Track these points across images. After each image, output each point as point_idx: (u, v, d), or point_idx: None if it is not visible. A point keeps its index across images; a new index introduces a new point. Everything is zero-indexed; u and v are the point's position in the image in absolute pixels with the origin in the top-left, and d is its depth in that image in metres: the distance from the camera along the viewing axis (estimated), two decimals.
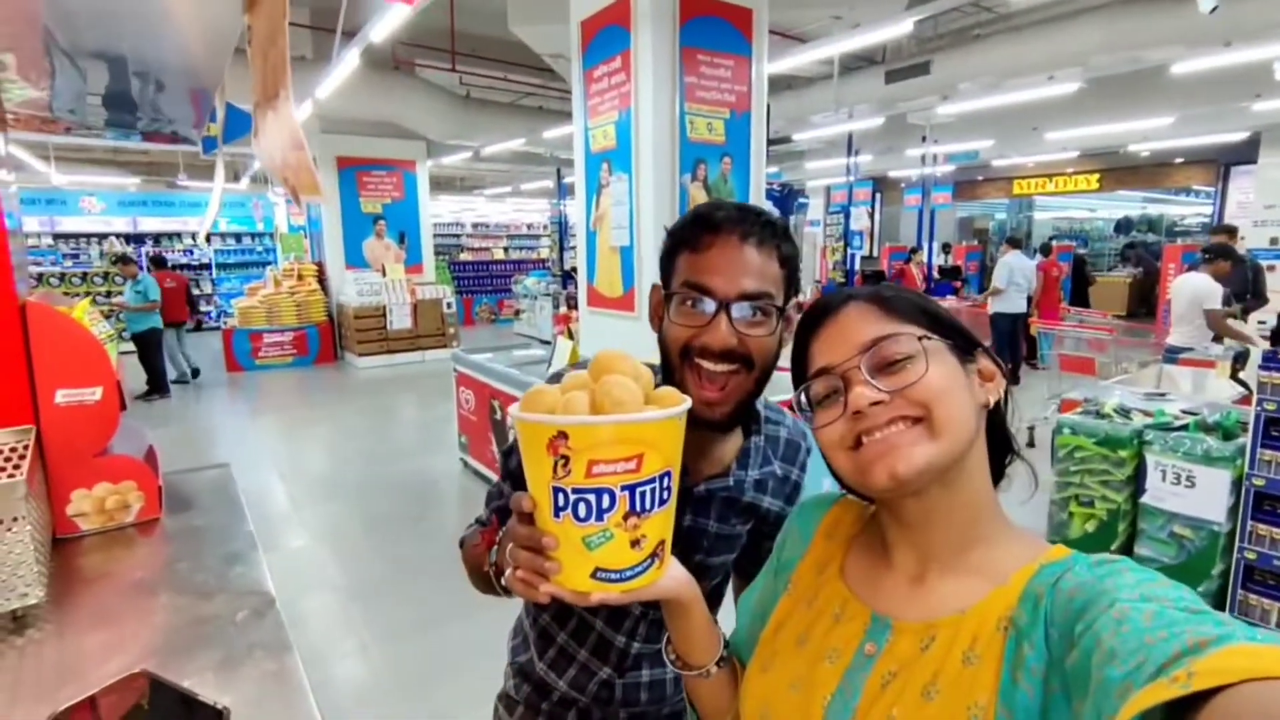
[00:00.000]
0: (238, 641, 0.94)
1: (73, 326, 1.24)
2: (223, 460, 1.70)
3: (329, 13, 5.58)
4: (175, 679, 0.82)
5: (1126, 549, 2.96)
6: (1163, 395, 3.47)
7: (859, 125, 8.40)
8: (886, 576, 0.62)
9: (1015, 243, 7.51)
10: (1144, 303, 12.39)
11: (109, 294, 10.82)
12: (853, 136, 9.16)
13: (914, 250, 10.65)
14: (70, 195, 11.68)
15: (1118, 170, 13.04)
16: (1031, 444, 5.14)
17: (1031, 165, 13.50)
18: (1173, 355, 4.67)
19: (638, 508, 0.56)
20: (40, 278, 10.86)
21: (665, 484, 0.57)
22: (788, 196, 5.98)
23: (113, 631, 0.96)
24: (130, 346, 7.21)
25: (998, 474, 0.63)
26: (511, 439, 0.92)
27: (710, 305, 0.77)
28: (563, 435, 0.54)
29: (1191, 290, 4.67)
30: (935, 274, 10.48)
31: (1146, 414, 3.09)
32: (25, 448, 1.15)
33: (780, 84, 7.86)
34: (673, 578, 0.62)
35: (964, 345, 0.60)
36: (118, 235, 12.15)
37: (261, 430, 6.40)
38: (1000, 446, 0.63)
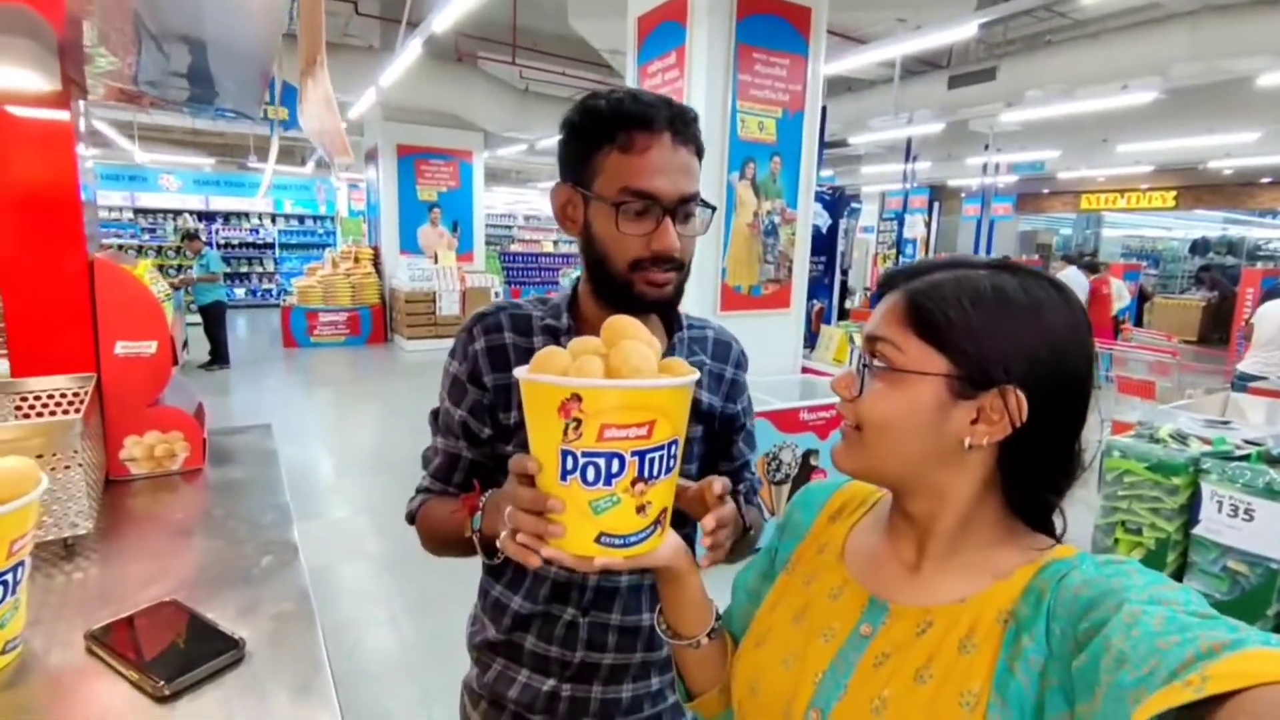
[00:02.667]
0: (260, 584, 0.99)
1: (134, 283, 1.33)
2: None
3: (396, 4, 5.76)
4: (200, 610, 0.88)
5: (1175, 581, 2.83)
6: (1226, 423, 3.29)
7: (919, 130, 8.20)
8: (887, 562, 0.62)
9: (1071, 259, 7.24)
10: (1218, 328, 11.73)
11: (180, 267, 11.39)
12: (911, 142, 8.95)
13: None
14: (151, 173, 12.35)
15: (1197, 188, 12.39)
16: (1081, 467, 4.91)
17: (1101, 179, 12.94)
18: (1243, 382, 4.42)
19: (646, 474, 0.56)
20: (121, 249, 11.50)
21: (672, 452, 0.58)
22: (838, 200, 5.88)
23: (150, 565, 1.03)
24: (198, 319, 7.61)
25: (1033, 500, 0.58)
26: (440, 401, 0.91)
27: (655, 211, 0.76)
28: (577, 398, 0.53)
29: None
30: None
31: (1205, 441, 2.93)
32: (86, 393, 1.24)
33: (839, 86, 7.74)
34: (670, 546, 0.63)
35: (973, 379, 0.54)
36: (190, 212, 12.79)
37: (313, 404, 6.66)
38: (1029, 482, 0.57)
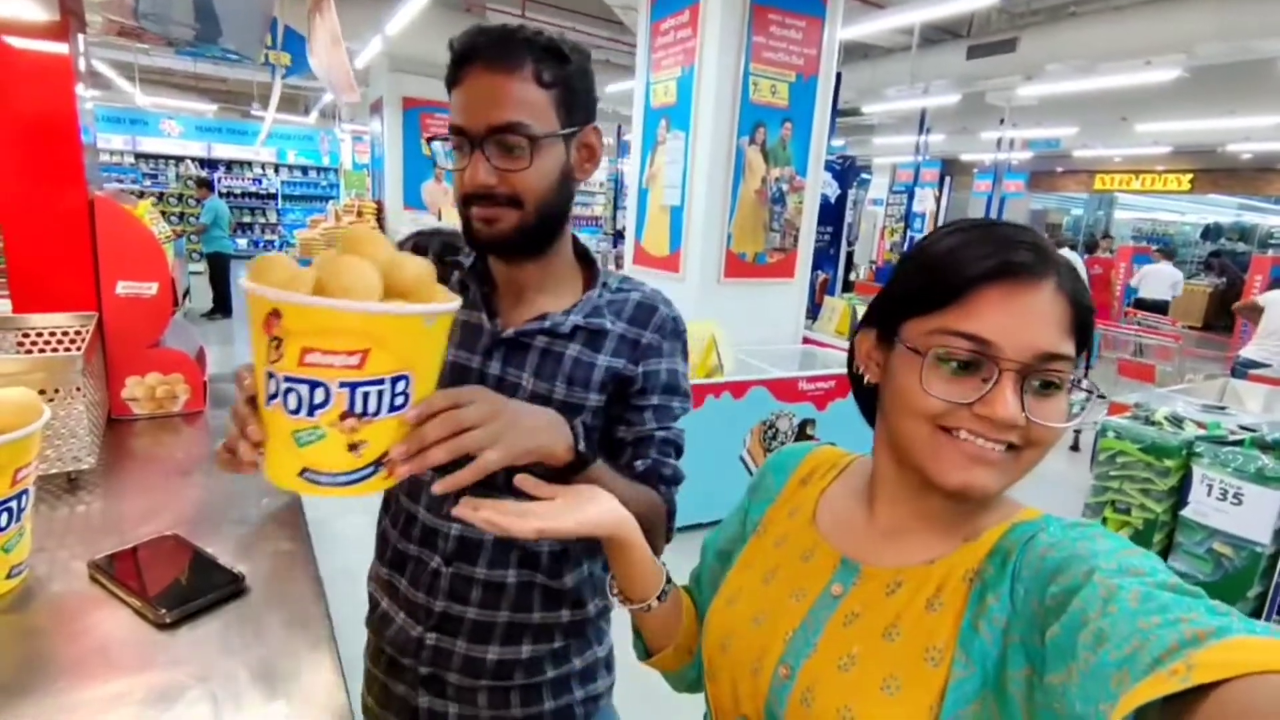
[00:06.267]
0: (260, 523, 1.01)
1: (135, 223, 1.32)
2: None
3: None
4: (200, 546, 0.90)
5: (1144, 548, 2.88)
6: (1222, 409, 3.30)
7: (934, 101, 8.04)
8: (862, 525, 0.63)
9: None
10: (1223, 314, 11.68)
11: (182, 215, 11.31)
12: (926, 113, 8.78)
13: None
14: (152, 117, 12.15)
15: (1213, 172, 12.20)
16: (1075, 448, 4.96)
17: (1117, 159, 12.74)
18: (1244, 368, 4.41)
19: (358, 409, 0.51)
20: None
21: (399, 389, 0.52)
22: (847, 170, 5.80)
23: (151, 501, 1.05)
24: (201, 267, 7.58)
25: None
26: None
27: (466, 147, 0.72)
28: (276, 313, 0.48)
29: None
30: None
31: (1200, 425, 2.95)
32: (88, 331, 1.24)
33: (856, 52, 7.56)
34: (610, 512, 0.62)
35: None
36: (193, 159, 12.63)
37: None
38: None
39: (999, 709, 0.48)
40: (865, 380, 0.61)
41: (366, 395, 0.51)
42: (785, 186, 3.76)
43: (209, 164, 12.78)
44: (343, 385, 0.50)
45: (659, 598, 0.67)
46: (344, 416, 0.51)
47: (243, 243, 12.91)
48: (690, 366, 3.38)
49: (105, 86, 10.03)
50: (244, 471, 0.56)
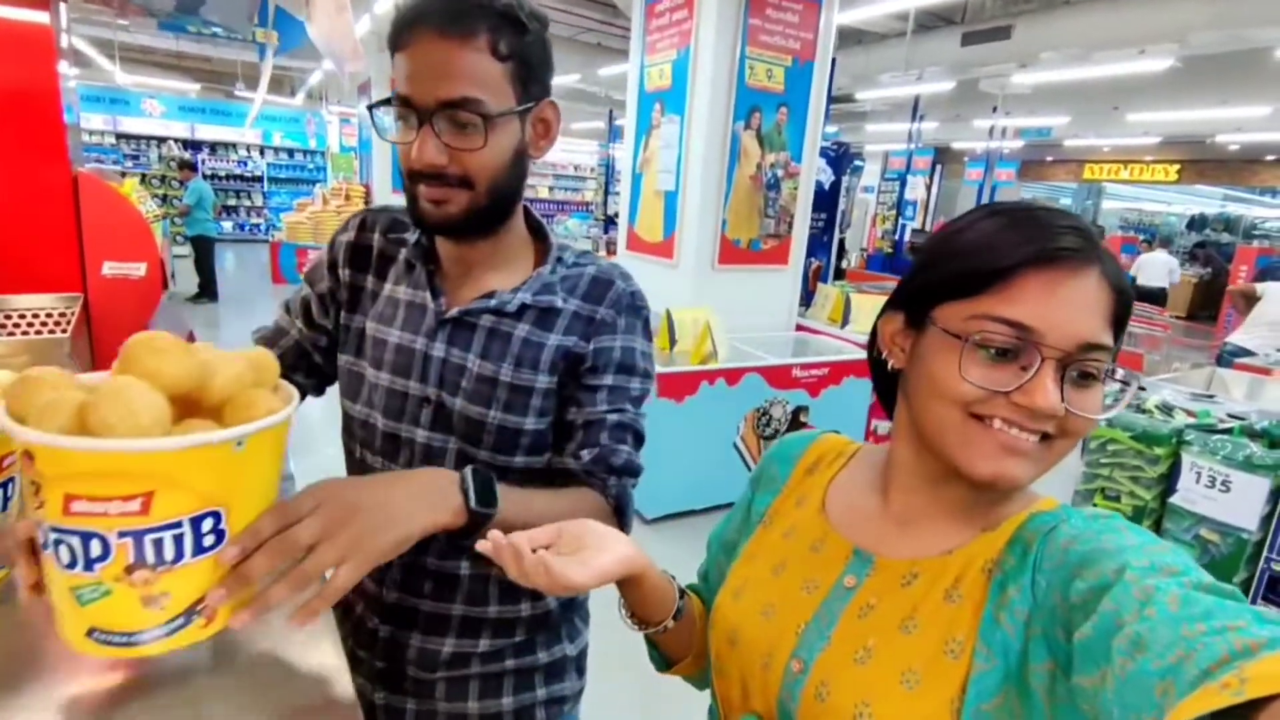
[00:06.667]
0: None
1: (121, 201, 1.28)
2: None
3: None
4: None
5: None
6: (1210, 397, 3.33)
7: (928, 89, 8.03)
8: (874, 515, 0.61)
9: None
10: (1208, 304, 11.83)
11: (165, 197, 11.11)
12: (919, 100, 8.76)
13: None
14: (133, 96, 11.91)
15: (1201, 162, 12.31)
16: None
17: (1107, 149, 12.81)
18: (1230, 356, 4.45)
19: (149, 559, 0.43)
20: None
21: (206, 529, 0.44)
22: (842, 156, 5.78)
23: None
24: (185, 250, 7.46)
25: None
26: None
27: (412, 119, 0.67)
28: (29, 454, 0.41)
29: None
30: None
31: (1190, 414, 2.98)
32: (73, 313, 1.21)
33: (850, 38, 7.52)
34: (622, 558, 0.57)
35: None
36: (176, 140, 12.40)
37: None
38: None
39: (1021, 703, 0.47)
40: (889, 366, 0.60)
41: (159, 542, 0.42)
42: (780, 172, 3.74)
43: (192, 145, 12.55)
44: (124, 535, 0.42)
45: (674, 616, 0.64)
46: (131, 569, 0.42)
47: (228, 225, 12.73)
48: (685, 353, 3.34)
49: (85, 64, 9.80)
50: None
